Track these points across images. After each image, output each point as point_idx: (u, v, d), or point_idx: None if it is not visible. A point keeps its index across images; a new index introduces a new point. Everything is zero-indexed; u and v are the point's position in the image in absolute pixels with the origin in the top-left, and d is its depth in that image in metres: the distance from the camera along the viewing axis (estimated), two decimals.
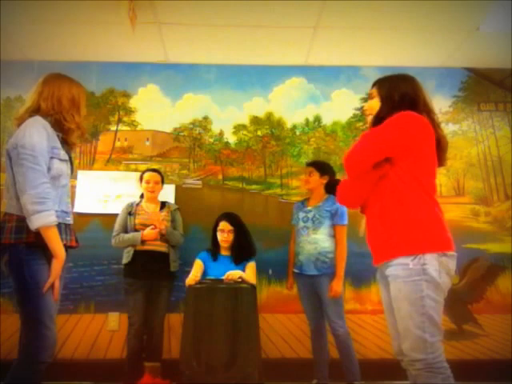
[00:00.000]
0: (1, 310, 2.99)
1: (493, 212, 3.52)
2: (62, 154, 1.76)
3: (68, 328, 3.15)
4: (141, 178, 3.05)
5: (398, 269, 1.56)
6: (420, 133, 1.60)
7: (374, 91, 1.79)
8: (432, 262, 1.52)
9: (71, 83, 1.86)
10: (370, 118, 1.79)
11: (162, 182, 3.11)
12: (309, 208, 2.89)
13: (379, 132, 1.62)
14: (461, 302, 3.31)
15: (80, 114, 1.85)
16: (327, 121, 3.68)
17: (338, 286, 2.68)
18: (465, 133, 3.67)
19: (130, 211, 2.98)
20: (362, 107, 3.69)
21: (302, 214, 2.90)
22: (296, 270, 2.87)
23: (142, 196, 3.09)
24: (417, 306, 1.51)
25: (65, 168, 1.78)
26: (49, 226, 1.60)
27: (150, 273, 2.84)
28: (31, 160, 1.61)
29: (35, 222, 1.58)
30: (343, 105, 3.69)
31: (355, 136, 3.65)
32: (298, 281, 2.88)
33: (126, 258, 2.89)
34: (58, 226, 1.70)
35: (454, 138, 3.58)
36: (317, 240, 2.79)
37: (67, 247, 1.79)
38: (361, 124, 3.67)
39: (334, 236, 2.81)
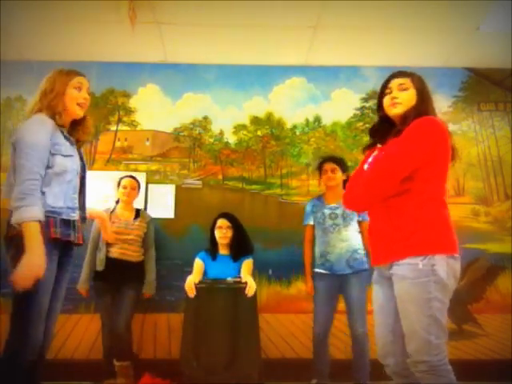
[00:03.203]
0: (1, 310, 2.98)
1: (493, 212, 3.52)
2: (64, 149, 1.75)
3: (68, 328, 3.15)
4: (118, 184, 3.06)
5: (406, 269, 1.53)
6: (444, 141, 1.57)
7: (409, 82, 1.67)
8: (441, 263, 1.50)
9: (54, 74, 1.83)
10: (399, 109, 1.66)
11: (139, 189, 3.12)
12: (334, 204, 2.81)
13: (411, 143, 1.54)
14: (461, 302, 3.30)
15: (64, 101, 1.78)
16: (327, 121, 3.68)
17: None
18: (465, 133, 3.67)
19: None
20: (362, 107, 3.69)
21: (328, 211, 2.81)
22: (323, 271, 2.76)
23: (117, 202, 3.09)
24: (424, 307, 1.49)
25: (69, 163, 1.76)
26: (26, 221, 1.55)
27: (119, 278, 2.88)
28: (23, 156, 1.62)
29: (14, 217, 1.56)
30: (343, 105, 3.69)
31: (355, 136, 3.65)
32: (323, 282, 2.76)
33: (100, 265, 2.91)
34: (66, 221, 1.72)
35: (454, 137, 3.57)
36: (349, 237, 2.74)
37: (73, 244, 1.79)
38: (361, 124, 3.67)
39: (360, 232, 2.78)
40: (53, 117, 1.75)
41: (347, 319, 2.72)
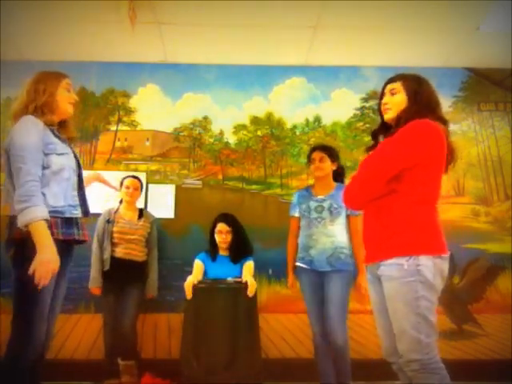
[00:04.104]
0: (1, 310, 2.98)
1: (493, 212, 3.52)
2: (59, 147, 1.76)
3: (68, 328, 3.15)
4: (121, 184, 3.07)
5: (393, 269, 1.55)
6: (436, 145, 1.56)
7: (399, 86, 1.68)
8: (427, 264, 1.52)
9: (41, 76, 1.85)
10: (389, 114, 1.69)
11: (142, 189, 3.15)
12: (321, 197, 2.65)
13: (400, 144, 1.55)
14: (461, 302, 3.31)
15: (57, 101, 1.82)
16: (327, 121, 3.68)
17: (364, 281, 2.27)
18: (465, 133, 3.67)
19: (109, 218, 3.00)
20: (362, 107, 3.69)
21: (313, 204, 2.64)
22: (303, 265, 2.62)
23: (120, 202, 3.11)
24: (412, 306, 1.51)
25: (65, 161, 1.77)
26: (33, 221, 1.56)
27: (123, 278, 2.90)
28: (19, 160, 1.63)
29: (19, 220, 1.57)
30: (343, 105, 3.69)
31: (355, 136, 3.65)
32: (304, 277, 2.63)
33: (105, 265, 2.91)
34: (69, 220, 1.73)
35: (454, 138, 3.55)
36: (334, 233, 2.56)
37: (78, 241, 1.80)
38: (361, 124, 3.67)
39: (347, 228, 2.62)
40: (43, 117, 1.76)
41: (325, 324, 2.49)
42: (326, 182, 2.69)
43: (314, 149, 2.76)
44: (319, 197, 2.67)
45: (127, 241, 2.94)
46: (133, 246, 2.95)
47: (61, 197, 1.72)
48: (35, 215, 1.56)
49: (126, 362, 2.82)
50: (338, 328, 2.44)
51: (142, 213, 3.09)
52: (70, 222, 1.74)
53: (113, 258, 2.91)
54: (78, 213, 1.79)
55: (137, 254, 2.96)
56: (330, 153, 2.70)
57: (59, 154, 1.75)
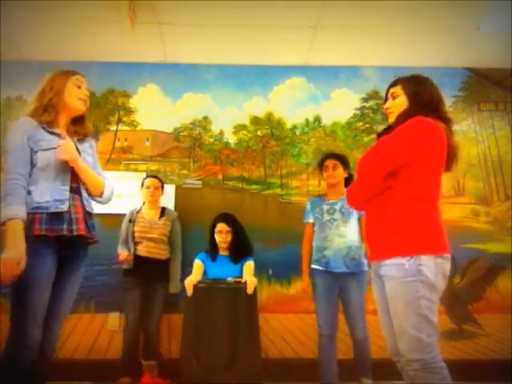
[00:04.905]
0: (1, 310, 2.98)
1: (493, 212, 3.52)
2: (46, 143, 1.74)
3: (68, 328, 3.14)
4: (142, 184, 3.13)
5: (393, 269, 1.55)
6: (433, 141, 1.56)
7: (399, 90, 1.72)
8: (428, 264, 1.51)
9: (53, 74, 1.85)
10: (392, 117, 1.73)
11: (162, 188, 3.17)
12: (333, 201, 2.75)
13: (395, 141, 1.57)
14: (461, 302, 3.31)
15: (63, 99, 1.81)
16: (327, 121, 3.68)
17: None
18: (465, 133, 3.67)
19: (131, 218, 3.06)
20: (362, 107, 3.69)
21: (326, 207, 2.75)
22: (319, 267, 2.68)
23: (143, 202, 3.15)
24: (413, 306, 1.51)
25: (54, 155, 1.74)
26: (9, 219, 1.55)
27: (148, 274, 2.93)
28: (4, 160, 1.66)
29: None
30: (343, 105, 3.69)
31: (355, 136, 3.65)
32: (319, 279, 2.67)
33: (127, 264, 2.95)
34: (56, 215, 1.69)
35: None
36: (347, 233, 2.65)
37: (73, 237, 1.74)
38: (361, 124, 3.67)
39: (359, 230, 2.69)
40: (42, 116, 1.75)
41: (346, 323, 2.65)
42: (338, 188, 2.78)
43: (327, 157, 2.84)
44: (331, 201, 2.77)
45: (147, 239, 2.98)
46: (152, 245, 2.98)
47: (47, 192, 1.70)
48: (11, 213, 1.56)
49: (149, 361, 2.87)
50: (360, 324, 2.59)
51: (163, 212, 3.13)
52: (57, 217, 1.69)
53: (136, 256, 2.96)
54: (64, 207, 1.72)
55: (158, 252, 2.99)
56: (342, 160, 2.80)
57: (45, 150, 1.73)
